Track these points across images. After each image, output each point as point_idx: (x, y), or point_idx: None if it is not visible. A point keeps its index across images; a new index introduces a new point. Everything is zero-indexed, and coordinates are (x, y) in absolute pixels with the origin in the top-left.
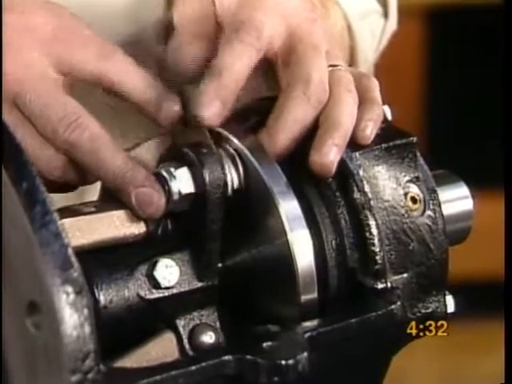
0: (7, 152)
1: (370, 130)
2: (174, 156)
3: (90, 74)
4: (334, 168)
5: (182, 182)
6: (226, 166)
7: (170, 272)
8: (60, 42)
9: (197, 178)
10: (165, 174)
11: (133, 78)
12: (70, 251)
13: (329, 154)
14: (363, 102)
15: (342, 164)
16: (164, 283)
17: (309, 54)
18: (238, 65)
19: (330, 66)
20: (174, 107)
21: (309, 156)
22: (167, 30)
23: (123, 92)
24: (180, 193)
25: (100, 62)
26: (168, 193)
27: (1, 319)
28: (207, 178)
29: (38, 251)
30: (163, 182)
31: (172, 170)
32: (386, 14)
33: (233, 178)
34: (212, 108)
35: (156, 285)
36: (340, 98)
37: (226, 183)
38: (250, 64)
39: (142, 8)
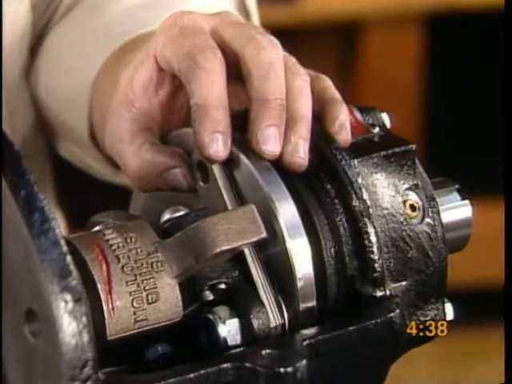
0: (6, 160)
1: (345, 132)
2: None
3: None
4: (306, 161)
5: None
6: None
7: None
8: None
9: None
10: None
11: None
12: (68, 259)
13: (298, 151)
14: (325, 103)
15: (341, 171)
16: None
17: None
18: None
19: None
20: None
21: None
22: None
23: None
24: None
25: None
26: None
27: None
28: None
29: (37, 259)
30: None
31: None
32: None
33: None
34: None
35: None
36: (292, 86)
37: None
38: None
39: None
